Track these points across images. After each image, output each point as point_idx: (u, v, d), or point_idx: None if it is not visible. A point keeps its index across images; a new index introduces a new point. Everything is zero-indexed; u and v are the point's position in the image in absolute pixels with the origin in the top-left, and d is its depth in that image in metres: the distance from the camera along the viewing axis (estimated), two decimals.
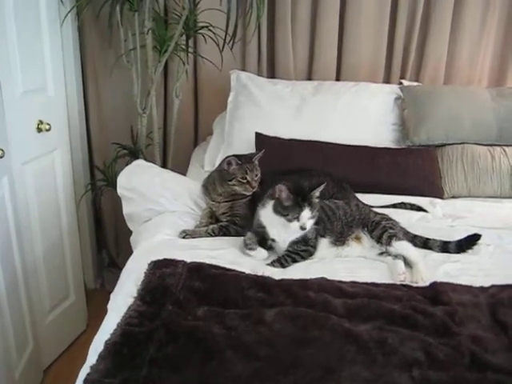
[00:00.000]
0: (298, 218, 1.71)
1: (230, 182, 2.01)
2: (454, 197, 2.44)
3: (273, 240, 1.81)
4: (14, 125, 2.10)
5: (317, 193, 1.75)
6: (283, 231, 1.78)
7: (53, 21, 2.39)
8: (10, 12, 2.05)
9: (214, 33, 2.66)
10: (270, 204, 1.78)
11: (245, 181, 1.99)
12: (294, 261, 1.76)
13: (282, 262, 1.75)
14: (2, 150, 1.91)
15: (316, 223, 1.80)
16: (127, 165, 2.32)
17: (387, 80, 3.03)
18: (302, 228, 1.72)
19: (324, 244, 1.83)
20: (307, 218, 1.72)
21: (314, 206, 1.73)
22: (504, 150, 2.49)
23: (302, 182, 1.81)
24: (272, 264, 1.74)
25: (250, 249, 1.80)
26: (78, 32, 2.78)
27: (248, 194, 2.01)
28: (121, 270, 1.87)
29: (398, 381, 1.19)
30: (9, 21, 2.05)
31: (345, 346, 1.28)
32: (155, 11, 2.69)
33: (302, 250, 1.78)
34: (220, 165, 2.13)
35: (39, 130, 2.29)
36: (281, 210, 1.73)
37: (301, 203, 1.71)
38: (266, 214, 1.80)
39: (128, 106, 2.90)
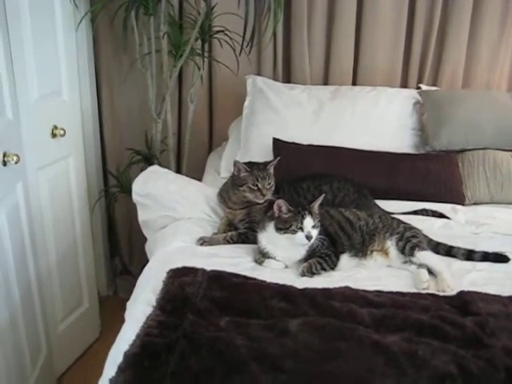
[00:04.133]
0: (301, 228, 1.68)
1: (240, 188, 1.98)
2: (475, 203, 2.39)
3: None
4: (29, 130, 2.08)
5: (316, 204, 1.73)
6: (289, 249, 1.74)
7: (68, 26, 2.37)
8: (25, 17, 2.03)
9: (230, 37, 2.62)
10: (270, 226, 1.75)
11: (255, 188, 1.95)
12: (322, 267, 1.72)
13: (312, 270, 1.70)
14: (18, 156, 1.88)
15: (333, 240, 1.78)
16: (141, 171, 2.29)
17: (404, 85, 2.99)
18: (308, 237, 1.68)
19: (345, 258, 1.79)
20: (311, 226, 1.69)
21: (315, 216, 1.71)
22: None
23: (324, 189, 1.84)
24: (302, 273, 1.70)
25: (261, 262, 1.77)
26: (92, 37, 2.75)
27: (259, 201, 1.96)
28: (134, 277, 1.83)
29: None
30: (24, 26, 2.03)
31: (373, 358, 1.23)
32: (170, 15, 2.66)
33: (323, 252, 1.74)
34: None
35: (54, 135, 2.26)
36: (282, 225, 1.70)
37: (302, 212, 1.69)
38: (268, 237, 1.76)
39: (142, 112, 2.88)
